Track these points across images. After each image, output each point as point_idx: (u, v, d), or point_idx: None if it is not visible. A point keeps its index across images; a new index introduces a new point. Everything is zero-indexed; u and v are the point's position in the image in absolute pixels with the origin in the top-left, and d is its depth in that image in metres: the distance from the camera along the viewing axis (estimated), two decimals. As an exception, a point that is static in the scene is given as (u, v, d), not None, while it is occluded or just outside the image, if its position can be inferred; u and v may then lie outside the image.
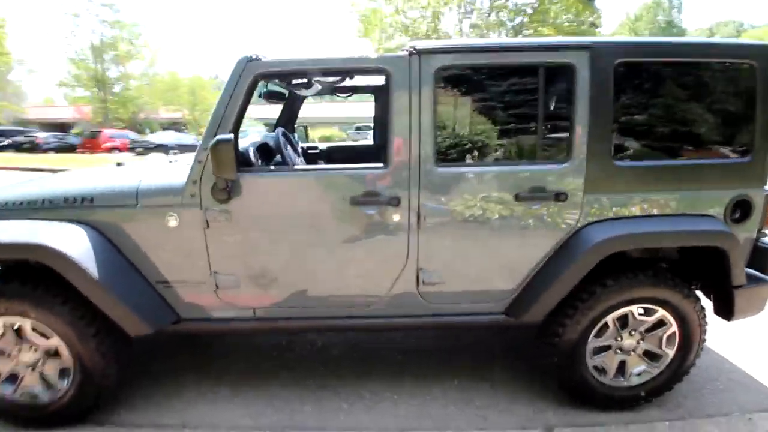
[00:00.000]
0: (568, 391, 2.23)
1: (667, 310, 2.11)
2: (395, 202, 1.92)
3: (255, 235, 1.98)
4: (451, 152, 2.00)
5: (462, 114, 2.00)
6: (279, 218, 1.97)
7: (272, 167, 2.04)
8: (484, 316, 2.15)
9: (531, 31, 14.21)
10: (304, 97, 3.45)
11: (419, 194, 1.96)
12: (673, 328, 2.15)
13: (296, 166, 2.00)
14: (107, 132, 21.50)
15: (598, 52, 1.91)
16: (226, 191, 1.85)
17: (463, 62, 1.93)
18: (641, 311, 2.12)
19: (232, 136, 1.72)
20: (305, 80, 2.45)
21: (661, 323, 2.15)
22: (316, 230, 1.98)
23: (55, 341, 1.92)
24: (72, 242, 1.82)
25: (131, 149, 19.71)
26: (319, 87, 3.10)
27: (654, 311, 2.12)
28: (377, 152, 3.63)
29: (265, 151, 2.30)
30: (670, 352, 2.18)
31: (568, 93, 1.95)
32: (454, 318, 2.14)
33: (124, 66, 26.01)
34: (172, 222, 1.93)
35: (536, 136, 2.00)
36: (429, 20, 14.70)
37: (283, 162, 2.29)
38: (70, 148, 20.82)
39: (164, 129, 30.42)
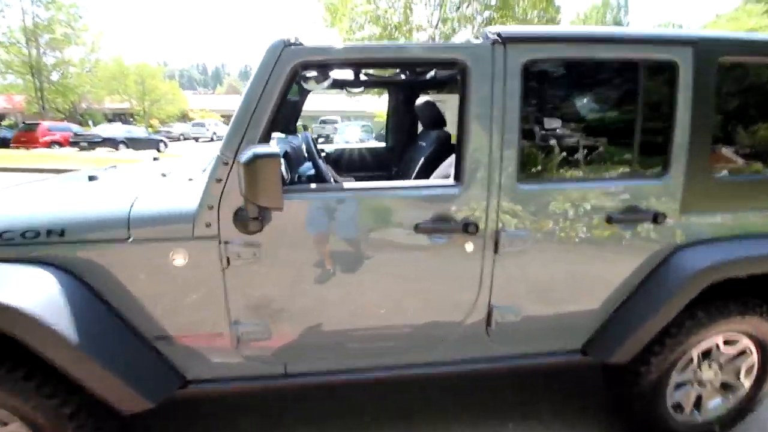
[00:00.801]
0: (641, 435, 1.96)
1: (750, 340, 1.91)
2: (472, 229, 1.54)
3: (292, 273, 1.53)
4: (537, 166, 1.64)
5: (550, 120, 1.64)
6: (324, 251, 1.53)
7: (313, 185, 1.58)
8: (559, 356, 1.83)
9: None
10: (308, 93, 2.97)
11: (498, 218, 1.59)
12: (754, 357, 1.96)
13: (344, 185, 1.54)
14: (46, 124, 19.17)
15: (703, 48, 1.62)
16: (259, 221, 1.39)
17: (558, 55, 1.57)
18: (725, 341, 1.90)
19: (277, 149, 1.26)
20: (341, 73, 2.00)
21: (741, 353, 1.94)
22: (370, 265, 1.56)
23: (15, 429, 1.38)
24: (32, 294, 1.29)
25: (74, 144, 17.85)
26: (331, 81, 2.64)
27: (736, 341, 1.91)
28: (393, 157, 3.24)
29: (289, 162, 1.84)
30: (748, 383, 1.99)
31: (667, 96, 1.65)
32: (526, 361, 1.80)
33: (61, 51, 23.50)
34: (179, 260, 1.44)
35: (632, 147, 1.68)
36: (401, 11, 14.27)
37: (319, 176, 1.83)
38: (2, 143, 18.53)
39: (109, 121, 28.07)
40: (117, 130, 19.82)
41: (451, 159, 2.26)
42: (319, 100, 28.38)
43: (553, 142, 1.65)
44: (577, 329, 1.82)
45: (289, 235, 1.48)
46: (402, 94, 3.06)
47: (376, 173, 3.22)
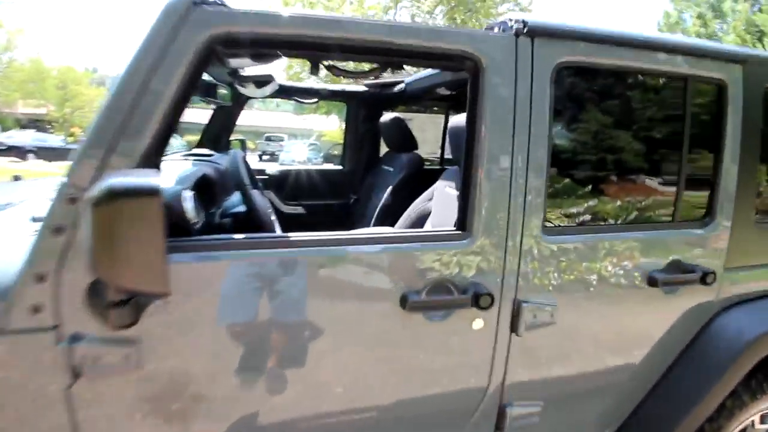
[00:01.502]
0: None
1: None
2: (485, 301, 1.02)
3: (197, 390, 0.91)
4: (571, 209, 1.18)
5: (584, 146, 1.20)
6: (254, 349, 0.94)
7: (239, 236, 0.96)
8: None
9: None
10: (247, 100, 2.37)
11: (518, 283, 1.09)
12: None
13: (291, 236, 0.97)
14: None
15: (753, 69, 1.30)
16: (128, 308, 0.77)
17: (600, 60, 1.13)
18: (761, 417, 1.56)
19: (156, 181, 0.66)
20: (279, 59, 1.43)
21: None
22: (332, 371, 1.00)
23: None
24: None
25: (-29, 151, 15.36)
26: (276, 85, 2.08)
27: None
28: (351, 182, 2.69)
29: (208, 193, 1.23)
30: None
31: (713, 124, 1.30)
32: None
33: (-34, 47, 20.55)
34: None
35: (676, 186, 1.29)
36: (355, 6, 13.60)
37: (252, 217, 1.21)
38: None
39: (23, 127, 24.90)
40: (26, 137, 17.44)
41: (430, 192, 1.78)
42: (264, 116, 27.37)
43: (586, 177, 1.20)
44: (606, 420, 1.36)
45: (191, 324, 0.88)
46: (364, 109, 2.56)
47: (330, 201, 2.66)
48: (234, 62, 1.38)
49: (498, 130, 1.04)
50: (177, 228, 0.92)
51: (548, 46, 1.06)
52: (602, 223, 1.23)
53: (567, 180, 1.18)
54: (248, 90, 2.00)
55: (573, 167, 1.20)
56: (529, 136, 1.05)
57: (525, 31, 1.04)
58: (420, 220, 1.72)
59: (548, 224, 1.12)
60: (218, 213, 1.25)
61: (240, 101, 2.31)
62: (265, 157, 22.27)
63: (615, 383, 1.34)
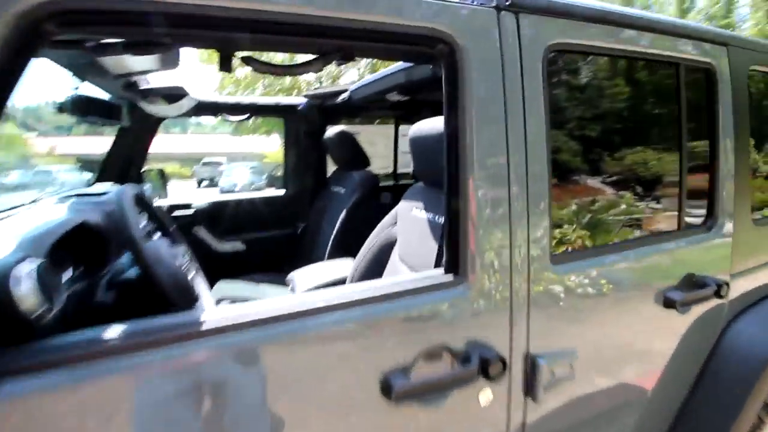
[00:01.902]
0: None
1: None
2: (496, 369, 0.74)
3: None
4: (571, 230, 0.94)
5: (585, 148, 0.97)
6: None
7: (121, 328, 0.60)
8: None
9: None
10: (160, 121, 1.96)
11: (529, 333, 0.83)
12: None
13: (204, 316, 0.62)
14: None
15: (735, 52, 1.17)
16: None
17: (603, 44, 0.90)
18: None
19: None
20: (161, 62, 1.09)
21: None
22: None
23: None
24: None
25: None
26: (193, 100, 1.71)
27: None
28: (296, 208, 2.35)
29: (89, 249, 0.84)
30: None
31: (707, 113, 1.15)
32: None
33: None
34: None
35: (679, 186, 1.11)
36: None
37: (156, 285, 0.82)
38: None
39: None
40: None
41: (392, 215, 1.50)
42: (200, 140, 26.09)
43: (587, 185, 0.98)
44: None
45: None
46: (305, 124, 2.24)
47: (274, 232, 2.30)
48: (128, 64, 1.02)
49: (487, 135, 0.77)
50: (8, 326, 0.55)
51: (535, 23, 0.82)
52: (611, 241, 1.01)
53: (569, 190, 0.95)
54: (156, 107, 1.62)
55: (574, 174, 0.96)
56: (525, 139, 0.80)
57: (507, 3, 0.79)
58: (384, 251, 1.43)
59: (556, 249, 0.88)
60: (104, 282, 0.87)
61: (150, 122, 1.90)
62: (203, 183, 21.01)
63: (636, 422, 1.12)
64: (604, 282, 0.94)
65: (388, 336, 0.71)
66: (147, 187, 1.97)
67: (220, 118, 2.06)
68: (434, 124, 1.15)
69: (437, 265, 1.07)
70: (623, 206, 1.05)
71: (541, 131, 0.82)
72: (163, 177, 2.28)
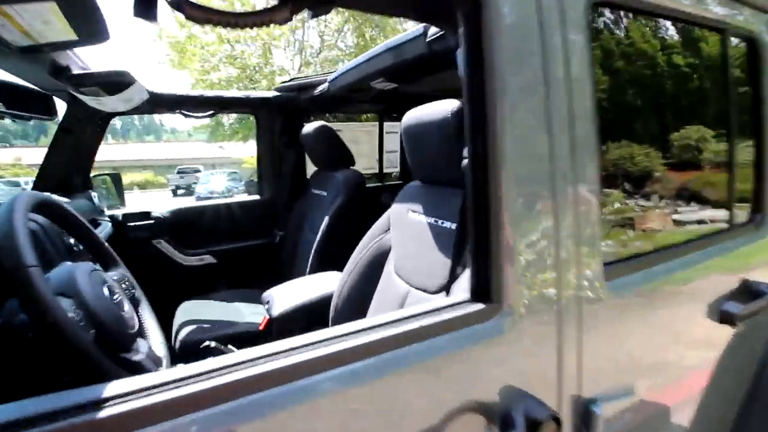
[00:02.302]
0: None
1: None
2: (551, 429, 0.53)
3: None
4: (622, 231, 0.74)
5: (638, 125, 0.77)
6: None
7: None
8: None
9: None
10: (108, 118, 1.69)
11: (581, 375, 0.62)
12: None
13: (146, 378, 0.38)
14: None
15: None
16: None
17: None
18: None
19: None
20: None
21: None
22: None
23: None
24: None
25: None
26: (144, 92, 1.45)
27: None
28: (273, 215, 2.10)
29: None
30: None
31: (753, 89, 0.98)
32: None
33: None
34: None
35: (727, 176, 0.93)
36: (260, 53, 13.31)
37: (66, 338, 0.57)
38: None
39: None
40: None
41: (384, 220, 1.29)
42: (175, 148, 25.37)
43: (638, 173, 0.78)
44: None
45: None
46: (279, 120, 2.00)
47: (249, 242, 2.04)
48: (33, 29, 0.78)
49: (524, 116, 0.56)
50: None
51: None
52: (664, 245, 0.82)
53: (618, 185, 0.74)
54: (98, 100, 1.36)
55: (622, 163, 0.76)
56: (571, 118, 0.60)
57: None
58: (376, 263, 1.21)
59: (610, 260, 0.67)
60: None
61: (95, 119, 1.63)
62: (180, 192, 20.35)
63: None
64: (664, 296, 0.75)
65: (397, 396, 0.49)
66: (94, 195, 1.69)
67: (181, 116, 1.80)
68: (435, 108, 0.95)
69: (450, 282, 0.86)
70: (677, 202, 0.85)
71: (587, 107, 0.62)
72: (117, 183, 2.01)
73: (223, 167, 22.29)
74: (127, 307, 0.76)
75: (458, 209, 0.95)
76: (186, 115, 1.79)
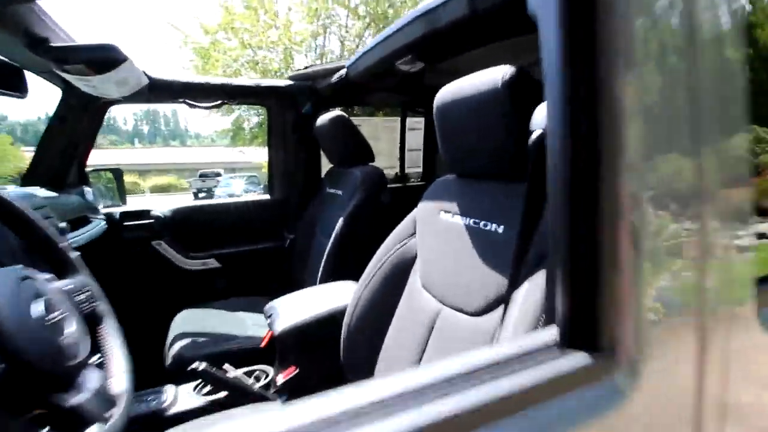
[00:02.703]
0: None
1: None
2: None
3: None
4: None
5: None
6: None
7: None
8: None
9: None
10: (106, 106, 1.54)
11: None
12: None
13: None
14: None
15: None
16: None
17: None
18: None
19: None
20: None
21: None
22: None
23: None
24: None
25: None
26: (141, 76, 1.29)
27: None
28: (283, 215, 1.92)
29: None
30: None
31: None
32: None
33: None
34: None
35: None
36: (281, 57, 13.34)
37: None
38: None
39: None
40: None
41: (409, 222, 1.08)
42: (200, 152, 25.85)
43: None
44: None
45: None
46: (292, 111, 1.82)
47: (256, 245, 1.87)
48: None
49: (650, 82, 0.35)
50: None
51: None
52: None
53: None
54: (89, 82, 1.20)
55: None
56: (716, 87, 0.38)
57: None
58: (398, 273, 0.99)
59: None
60: None
61: (89, 106, 1.48)
62: (201, 195, 20.63)
63: None
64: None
65: None
66: (88, 191, 1.54)
67: (186, 105, 1.64)
68: (480, 78, 0.74)
69: (498, 304, 0.64)
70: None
71: (736, 76, 0.40)
72: (118, 179, 1.86)
73: (243, 171, 22.50)
74: (71, 329, 0.58)
75: (510, 208, 0.74)
76: (191, 105, 1.63)
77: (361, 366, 1.00)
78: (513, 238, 0.69)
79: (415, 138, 2.34)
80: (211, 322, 1.48)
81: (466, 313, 0.77)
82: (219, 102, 1.66)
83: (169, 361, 1.29)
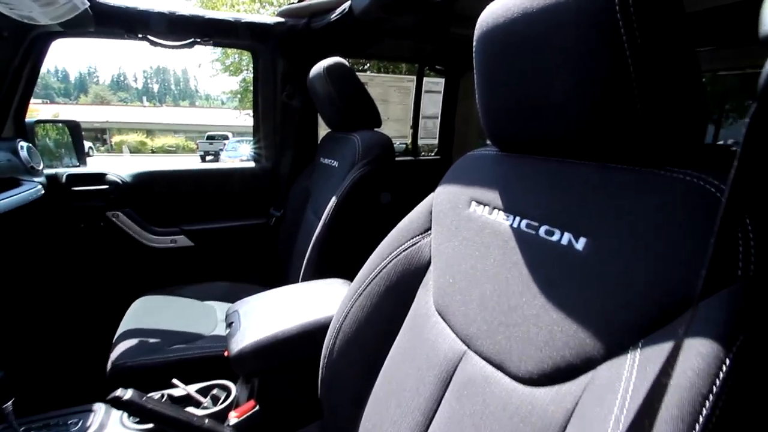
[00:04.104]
0: None
1: None
2: None
3: None
4: None
5: None
6: None
7: None
8: None
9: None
10: (45, 40, 1.21)
11: None
12: None
13: None
14: None
15: None
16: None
17: None
18: None
19: None
20: None
21: None
22: None
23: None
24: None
25: None
26: (77, 1, 0.96)
27: None
28: (271, 187, 1.61)
29: None
30: None
31: None
32: None
33: None
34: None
35: None
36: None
37: None
38: None
39: None
40: None
41: (423, 210, 0.75)
42: (210, 114, 25.44)
43: None
44: None
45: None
46: (283, 59, 1.46)
47: (239, 221, 1.57)
48: None
49: None
50: None
51: None
52: None
53: None
54: (38, 10, 0.88)
55: None
56: None
57: None
58: (403, 284, 0.69)
59: None
60: None
61: (24, 42, 1.15)
62: (208, 158, 20.29)
63: None
64: None
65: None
66: (23, 146, 1.24)
67: (147, 43, 1.31)
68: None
69: (594, 382, 0.34)
70: None
71: None
72: (75, 135, 1.56)
73: (250, 135, 22.07)
74: None
75: (612, 209, 0.42)
76: (153, 43, 1.29)
77: (344, 408, 0.72)
78: (604, 260, 0.39)
79: (433, 102, 1.98)
80: (172, 314, 1.20)
81: (510, 375, 0.47)
82: (189, 41, 1.32)
83: (108, 367, 1.02)
